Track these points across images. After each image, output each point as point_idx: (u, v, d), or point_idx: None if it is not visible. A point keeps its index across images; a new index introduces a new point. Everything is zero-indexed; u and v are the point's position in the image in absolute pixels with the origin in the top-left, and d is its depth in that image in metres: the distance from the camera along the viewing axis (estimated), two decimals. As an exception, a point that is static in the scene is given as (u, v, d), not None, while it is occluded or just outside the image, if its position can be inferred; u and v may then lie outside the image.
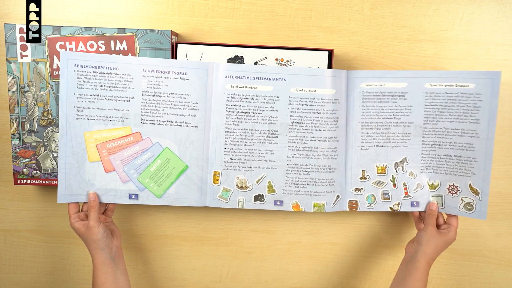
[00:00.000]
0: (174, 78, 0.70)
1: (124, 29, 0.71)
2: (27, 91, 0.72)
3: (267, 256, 0.84)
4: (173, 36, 0.72)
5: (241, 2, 0.75)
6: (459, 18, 0.76)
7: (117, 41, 0.71)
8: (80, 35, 0.70)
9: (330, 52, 0.72)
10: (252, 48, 0.72)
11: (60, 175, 0.70)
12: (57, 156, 0.74)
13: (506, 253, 0.83)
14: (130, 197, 0.72)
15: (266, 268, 0.85)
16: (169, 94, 0.70)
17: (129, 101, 0.70)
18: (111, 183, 0.71)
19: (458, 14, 0.76)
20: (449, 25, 0.76)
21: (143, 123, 0.71)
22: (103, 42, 0.71)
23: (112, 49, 0.71)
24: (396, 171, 0.74)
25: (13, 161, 0.74)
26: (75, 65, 0.68)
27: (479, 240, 0.83)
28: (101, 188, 0.71)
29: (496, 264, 0.84)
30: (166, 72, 0.69)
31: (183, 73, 0.70)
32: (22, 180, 0.74)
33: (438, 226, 0.73)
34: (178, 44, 0.71)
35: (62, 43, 0.71)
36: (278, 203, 0.73)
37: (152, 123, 0.71)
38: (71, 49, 0.71)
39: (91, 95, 0.69)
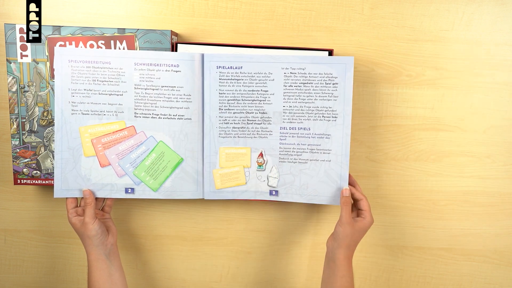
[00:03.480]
0: (166, 71, 0.70)
1: (124, 29, 0.71)
2: (27, 91, 0.72)
3: (267, 256, 0.84)
4: (173, 36, 0.72)
5: (241, 2, 0.75)
6: (459, 18, 0.76)
7: (117, 41, 0.71)
8: (80, 35, 0.70)
9: (330, 52, 0.72)
10: (252, 48, 0.72)
11: (56, 170, 0.70)
12: (57, 156, 0.74)
13: (506, 253, 0.83)
14: (126, 191, 0.72)
15: (266, 268, 0.85)
16: (162, 87, 0.70)
17: (122, 95, 0.70)
18: (107, 178, 0.71)
19: (458, 14, 0.76)
20: (449, 25, 0.76)
21: (137, 116, 0.71)
22: (103, 42, 0.71)
23: (112, 49, 0.71)
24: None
25: (13, 161, 0.74)
26: (69, 60, 0.69)
27: (479, 240, 0.83)
28: (97, 183, 0.71)
29: (496, 264, 0.84)
30: (157, 64, 0.69)
31: (174, 65, 0.70)
32: (22, 180, 0.74)
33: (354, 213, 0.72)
34: (178, 44, 0.71)
35: (62, 43, 0.71)
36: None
37: (146, 117, 0.71)
38: (71, 49, 0.71)
39: (85, 90, 0.69)
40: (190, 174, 0.72)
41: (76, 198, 0.71)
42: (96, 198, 0.71)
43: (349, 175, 0.73)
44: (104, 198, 0.74)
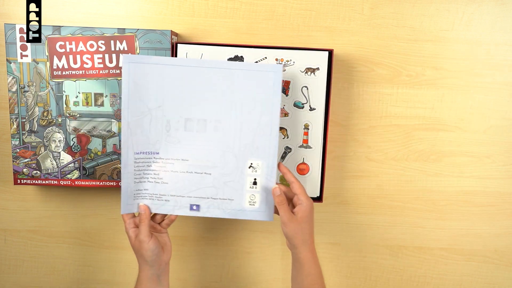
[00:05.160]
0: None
1: (124, 29, 0.71)
2: (27, 91, 0.72)
3: (267, 256, 0.84)
4: (173, 36, 0.72)
5: (241, 2, 0.75)
6: (459, 18, 0.76)
7: (117, 41, 0.71)
8: (80, 35, 0.70)
9: (330, 52, 0.72)
10: (252, 48, 0.72)
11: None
12: (56, 156, 0.74)
13: (506, 253, 0.83)
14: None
15: (266, 268, 0.85)
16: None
17: None
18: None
19: (458, 14, 0.76)
20: (449, 25, 0.76)
21: None
22: (103, 42, 0.71)
23: (112, 49, 0.71)
24: None
25: (13, 161, 0.74)
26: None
27: (479, 240, 0.83)
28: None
29: (496, 264, 0.84)
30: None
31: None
32: (22, 180, 0.74)
33: (290, 204, 0.67)
34: (178, 44, 0.71)
35: (62, 43, 0.71)
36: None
37: None
38: (71, 49, 0.71)
39: None
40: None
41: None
42: (156, 214, 0.69)
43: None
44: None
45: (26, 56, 0.71)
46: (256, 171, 0.68)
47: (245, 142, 0.68)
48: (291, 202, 0.68)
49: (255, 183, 0.69)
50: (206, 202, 0.69)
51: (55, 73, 0.72)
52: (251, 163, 0.68)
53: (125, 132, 0.66)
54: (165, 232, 0.69)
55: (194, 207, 0.69)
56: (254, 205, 0.69)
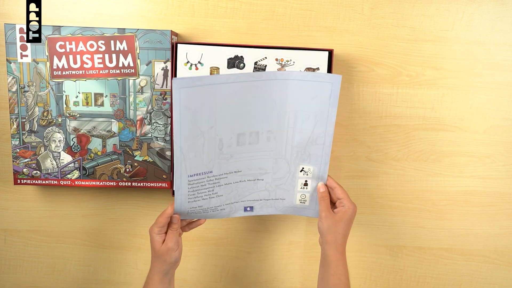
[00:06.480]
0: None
1: (124, 29, 0.71)
2: (27, 91, 0.72)
3: (267, 256, 0.84)
4: (173, 36, 0.72)
5: (241, 2, 0.75)
6: (459, 18, 0.76)
7: (117, 41, 0.71)
8: (80, 35, 0.71)
9: (330, 52, 0.72)
10: (252, 48, 0.72)
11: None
12: (56, 156, 0.74)
13: (506, 253, 0.83)
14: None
15: (266, 268, 0.85)
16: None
17: None
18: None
19: (458, 14, 0.76)
20: (449, 25, 0.76)
21: None
22: (103, 42, 0.71)
23: (112, 49, 0.71)
24: None
25: (13, 161, 0.74)
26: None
27: (479, 240, 0.83)
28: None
29: (496, 264, 0.84)
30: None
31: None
32: (22, 180, 0.74)
33: (332, 206, 0.69)
34: (178, 44, 0.71)
35: (62, 43, 0.71)
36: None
37: None
38: (71, 49, 0.71)
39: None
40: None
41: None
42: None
43: None
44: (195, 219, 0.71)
45: (26, 56, 0.71)
46: (307, 174, 0.70)
47: (297, 149, 0.69)
48: (333, 205, 0.70)
49: (306, 184, 0.70)
50: (259, 203, 0.71)
51: (55, 73, 0.72)
52: (303, 168, 0.69)
53: (178, 157, 0.64)
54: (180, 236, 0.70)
55: (248, 209, 0.71)
56: (304, 203, 0.72)
